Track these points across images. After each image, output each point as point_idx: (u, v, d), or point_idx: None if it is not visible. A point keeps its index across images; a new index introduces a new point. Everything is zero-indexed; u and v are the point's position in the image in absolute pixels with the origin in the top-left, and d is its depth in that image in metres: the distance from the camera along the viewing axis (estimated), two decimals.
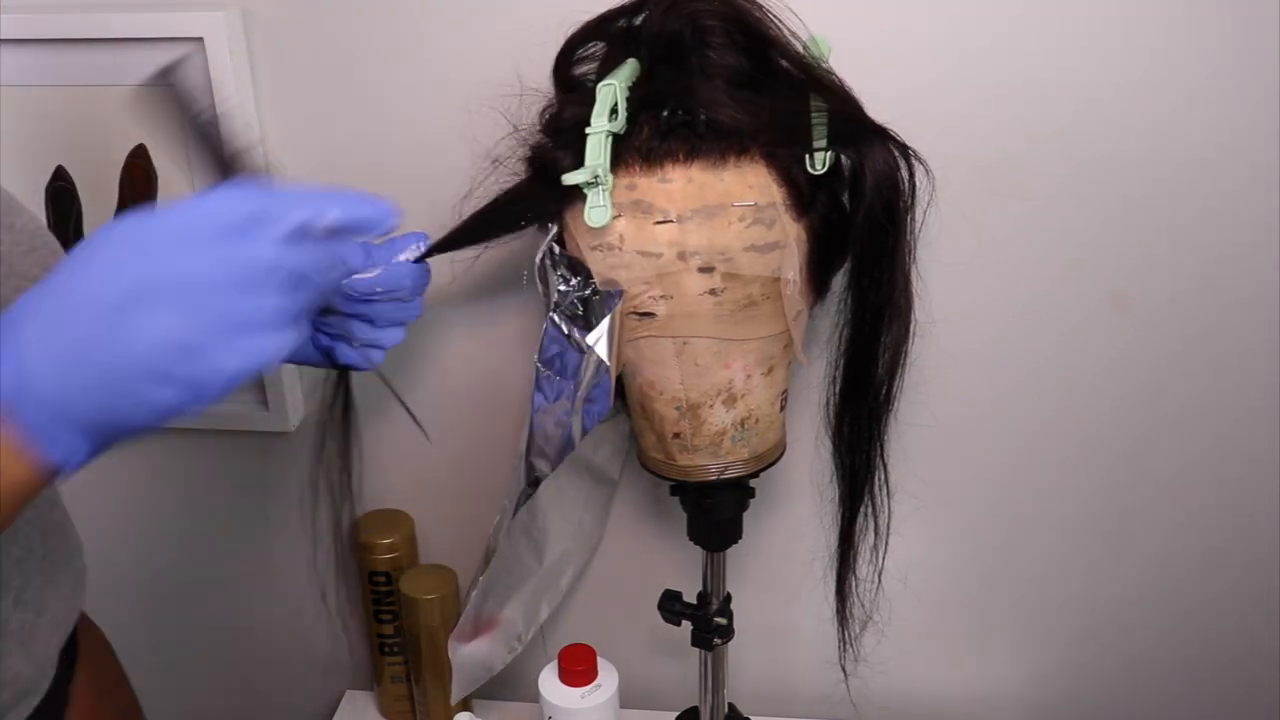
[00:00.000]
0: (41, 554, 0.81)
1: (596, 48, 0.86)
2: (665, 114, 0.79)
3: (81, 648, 0.91)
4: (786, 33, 0.80)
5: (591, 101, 0.78)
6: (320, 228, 0.57)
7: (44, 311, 0.53)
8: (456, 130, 1.00)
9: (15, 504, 0.55)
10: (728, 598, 1.03)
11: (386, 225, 0.60)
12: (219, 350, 0.53)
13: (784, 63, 0.81)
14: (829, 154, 0.81)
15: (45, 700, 0.83)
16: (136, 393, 0.53)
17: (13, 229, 0.74)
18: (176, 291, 0.53)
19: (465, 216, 0.84)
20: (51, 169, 1.03)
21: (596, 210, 0.78)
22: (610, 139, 0.77)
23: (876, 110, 0.83)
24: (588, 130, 0.77)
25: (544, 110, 0.88)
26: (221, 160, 0.64)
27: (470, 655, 1.01)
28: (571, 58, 0.86)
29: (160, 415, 0.55)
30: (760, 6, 0.80)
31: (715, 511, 0.95)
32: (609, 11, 0.84)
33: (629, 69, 0.80)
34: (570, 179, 0.77)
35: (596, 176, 0.77)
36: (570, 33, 0.86)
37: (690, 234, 0.79)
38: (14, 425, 0.53)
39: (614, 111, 0.77)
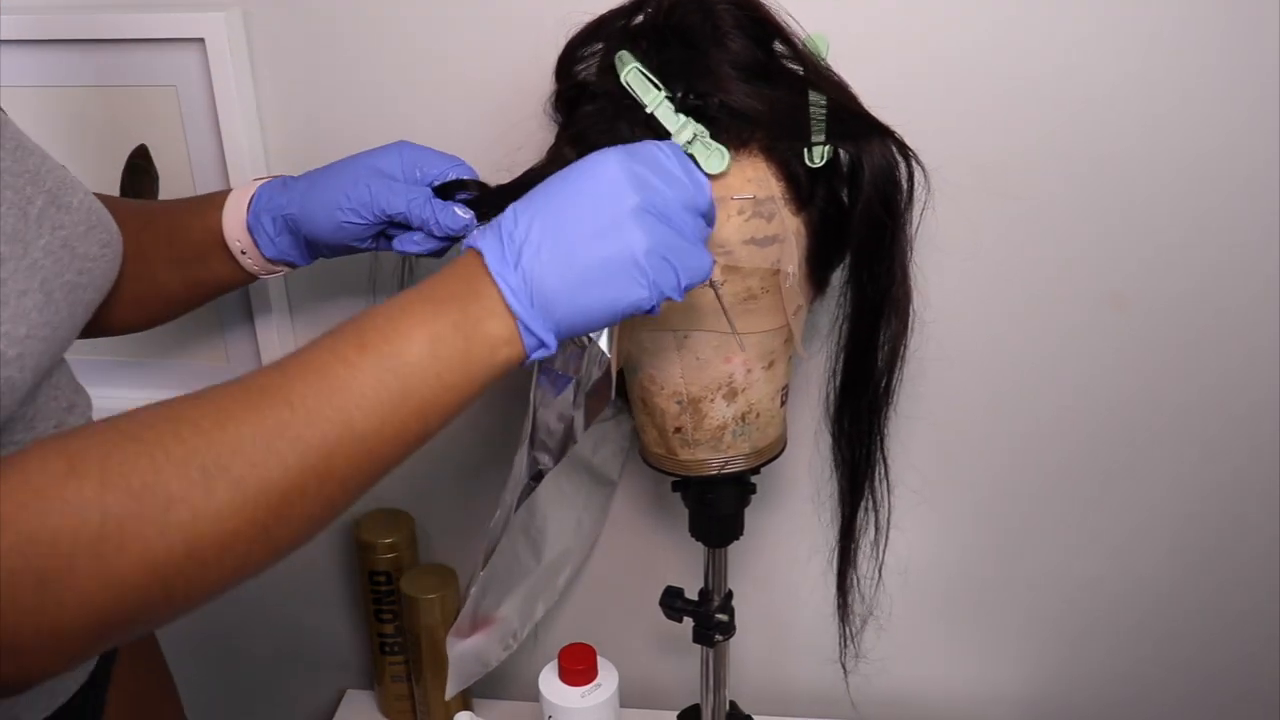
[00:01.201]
0: None
1: (597, 48, 0.87)
2: (678, 95, 0.79)
3: None
4: (788, 27, 0.81)
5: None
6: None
7: (544, 228, 0.64)
8: (457, 130, 1.00)
9: (482, 389, 0.65)
10: (729, 594, 1.03)
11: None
12: (680, 260, 0.65)
13: (785, 57, 0.82)
14: (828, 148, 0.81)
15: (90, 675, 0.85)
16: (615, 292, 0.64)
17: (70, 208, 0.75)
18: (658, 217, 0.65)
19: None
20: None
21: (714, 156, 0.78)
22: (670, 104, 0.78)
23: (875, 108, 0.83)
24: (649, 108, 0.77)
25: (555, 101, 0.88)
26: None
27: (466, 651, 1.01)
28: (573, 59, 0.87)
29: (623, 313, 0.66)
30: (763, 2, 0.80)
31: (716, 507, 0.95)
32: (609, 12, 0.85)
33: (625, 58, 0.80)
34: (681, 136, 0.77)
35: (696, 133, 0.77)
36: (571, 34, 0.86)
37: None
38: (515, 322, 0.64)
39: (655, 85, 0.78)
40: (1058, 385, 1.05)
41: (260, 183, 0.89)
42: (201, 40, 0.97)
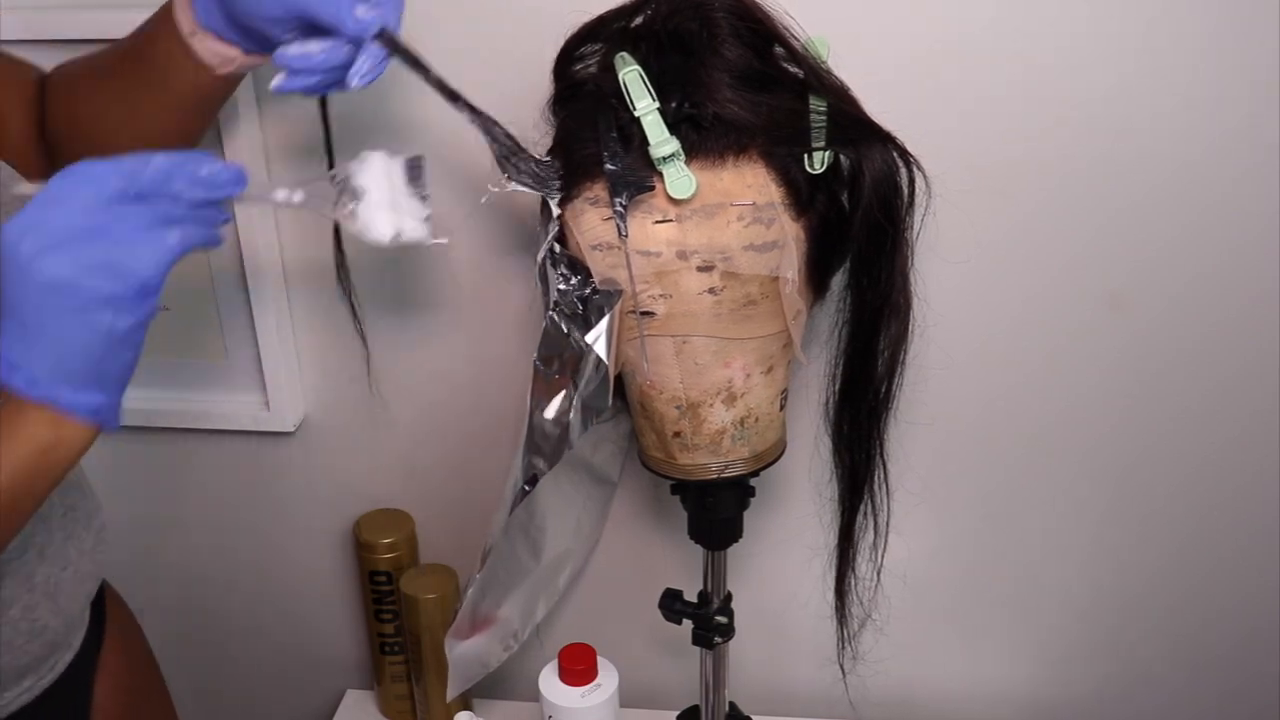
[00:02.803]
0: (62, 511, 0.84)
1: (596, 48, 0.87)
2: (672, 105, 0.79)
3: (109, 615, 0.93)
4: (787, 31, 0.80)
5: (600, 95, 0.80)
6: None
7: (12, 328, 0.64)
8: (458, 130, 1.00)
9: (68, 466, 0.67)
10: (728, 596, 1.03)
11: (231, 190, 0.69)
12: (127, 261, 0.64)
13: (785, 62, 0.81)
14: (827, 153, 0.81)
15: (77, 658, 0.85)
16: (92, 327, 0.64)
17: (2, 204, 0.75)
18: (73, 244, 0.63)
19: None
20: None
21: (682, 181, 0.78)
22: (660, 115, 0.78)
23: (875, 111, 0.83)
24: (638, 113, 0.77)
25: (553, 102, 0.88)
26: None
27: (466, 652, 1.01)
28: (571, 58, 0.86)
29: (118, 335, 0.65)
30: (762, 6, 0.80)
31: (716, 510, 0.95)
32: (608, 13, 0.85)
33: (627, 59, 0.80)
34: (657, 151, 0.77)
35: (674, 152, 0.77)
36: (569, 34, 0.86)
37: (689, 233, 0.80)
38: (36, 403, 0.64)
39: (650, 94, 0.78)
40: (1058, 388, 1.05)
41: None
42: None
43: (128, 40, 0.87)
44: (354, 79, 0.77)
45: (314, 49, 0.78)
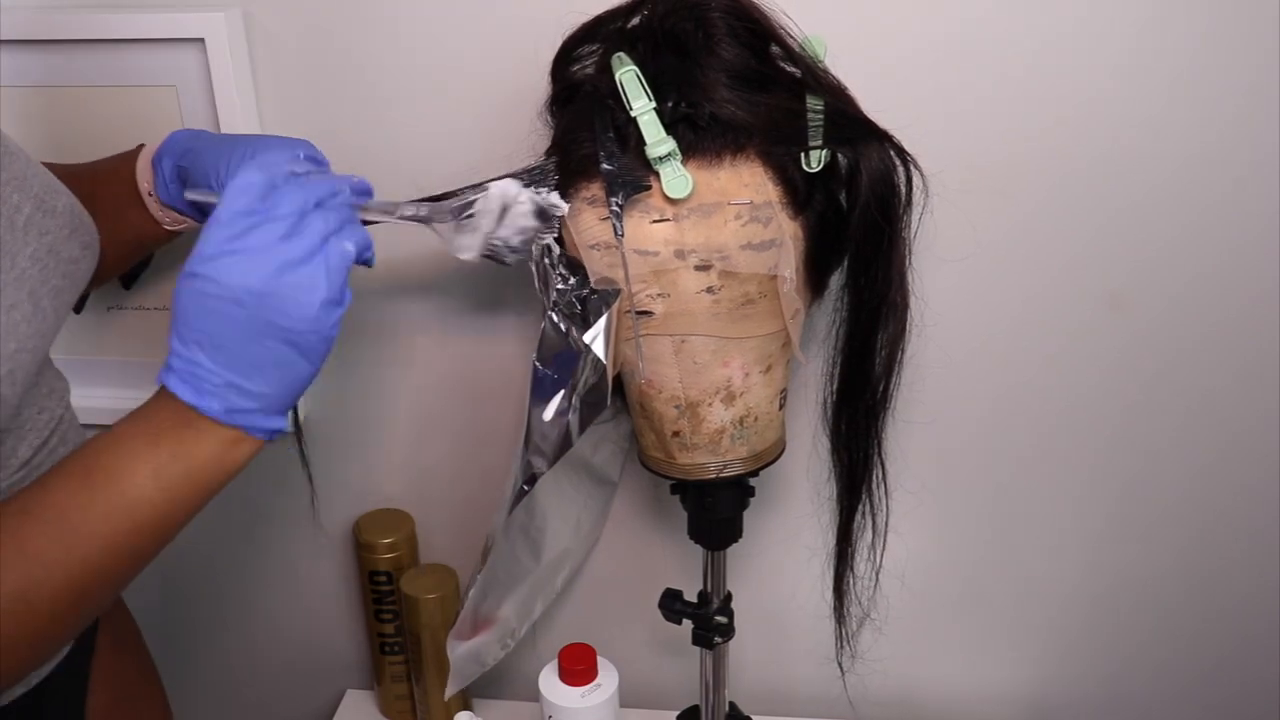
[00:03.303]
0: None
1: (593, 49, 0.87)
2: (669, 105, 0.79)
3: (104, 614, 0.93)
4: (784, 31, 0.80)
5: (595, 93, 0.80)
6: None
7: (199, 350, 0.67)
8: (457, 130, 1.00)
9: (221, 488, 0.73)
10: (728, 596, 1.03)
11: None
12: (319, 274, 0.66)
13: (782, 61, 0.81)
14: (824, 152, 0.81)
15: (72, 654, 0.86)
16: (301, 349, 0.68)
17: (55, 212, 0.76)
18: (281, 271, 0.65)
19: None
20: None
21: (678, 180, 0.78)
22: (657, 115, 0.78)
23: (873, 110, 0.83)
24: (634, 113, 0.78)
25: (551, 103, 0.88)
26: None
27: (465, 651, 1.01)
28: (569, 59, 0.87)
29: (317, 360, 0.69)
30: (758, 5, 0.80)
31: (715, 510, 0.95)
32: (605, 13, 0.85)
33: (624, 59, 0.80)
34: (654, 151, 0.77)
35: (670, 152, 0.78)
36: (566, 34, 0.86)
37: (687, 232, 0.80)
38: (229, 431, 0.69)
39: (647, 94, 0.78)
40: (1057, 388, 1.05)
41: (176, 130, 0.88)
42: (201, 40, 0.97)
43: (100, 162, 0.92)
44: None
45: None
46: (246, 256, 0.65)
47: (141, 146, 0.89)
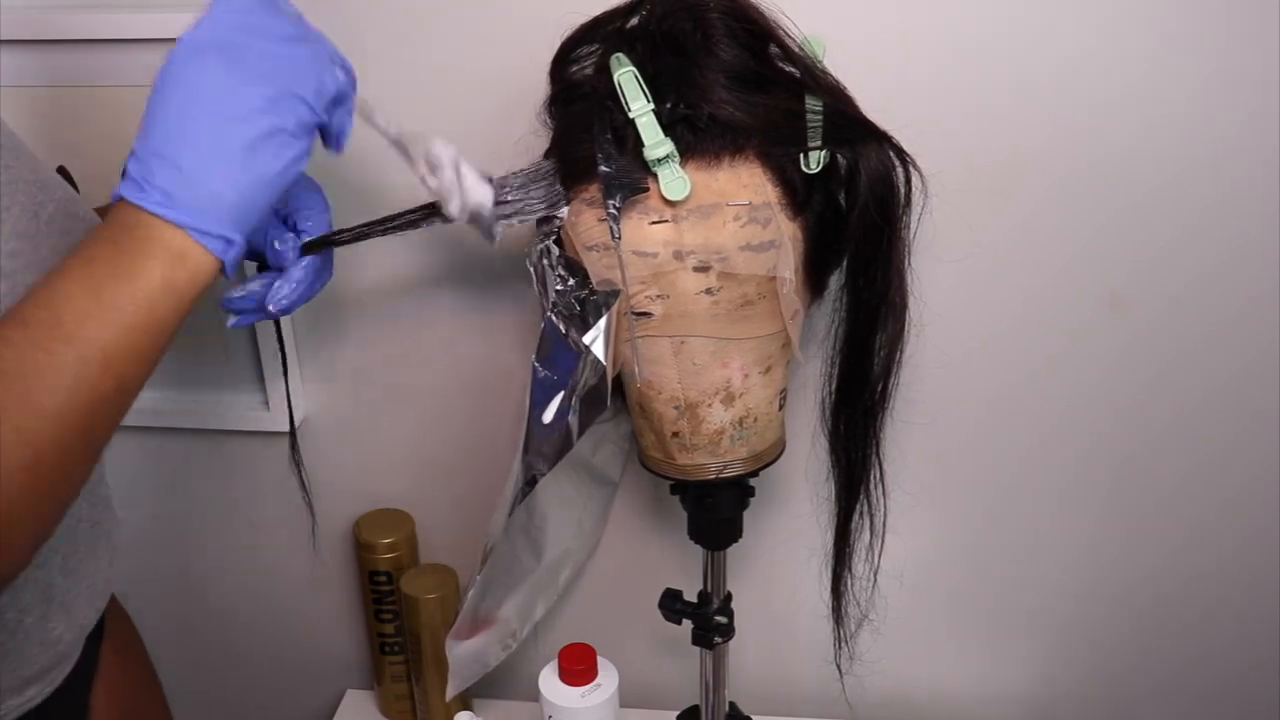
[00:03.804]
0: (90, 523, 0.84)
1: (592, 49, 0.87)
2: (667, 106, 0.79)
3: (108, 624, 0.94)
4: (783, 31, 0.80)
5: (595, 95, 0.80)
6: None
7: (164, 145, 0.63)
8: (456, 131, 1.00)
9: (180, 312, 0.64)
10: (728, 596, 1.03)
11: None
12: (300, 83, 0.66)
13: (781, 61, 0.81)
14: (823, 153, 0.81)
15: (75, 669, 0.86)
16: (261, 160, 0.65)
17: (79, 218, 0.76)
18: (246, 59, 0.65)
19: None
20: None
21: (677, 182, 0.78)
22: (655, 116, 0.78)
23: (872, 110, 0.83)
24: (632, 114, 0.78)
25: (550, 103, 0.88)
26: None
27: (466, 652, 1.02)
28: (567, 59, 0.87)
29: (288, 170, 0.66)
30: (757, 6, 0.80)
31: (715, 510, 0.95)
32: (604, 14, 0.85)
33: (623, 60, 0.80)
34: (652, 153, 0.77)
35: (668, 154, 0.78)
36: (565, 35, 0.86)
37: (686, 233, 0.80)
38: (175, 233, 0.63)
39: (645, 95, 0.78)
40: (1055, 388, 1.05)
41: None
42: None
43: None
44: (271, 303, 0.82)
45: (254, 286, 0.84)
46: (243, 28, 0.65)
47: None
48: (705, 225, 0.79)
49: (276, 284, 0.82)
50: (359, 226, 0.85)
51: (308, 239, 0.84)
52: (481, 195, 0.82)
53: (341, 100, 0.71)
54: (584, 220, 0.83)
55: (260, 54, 0.66)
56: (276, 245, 0.82)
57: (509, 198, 0.84)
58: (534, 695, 1.08)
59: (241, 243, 0.65)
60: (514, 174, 0.85)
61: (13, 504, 0.59)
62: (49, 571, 0.79)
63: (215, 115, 0.64)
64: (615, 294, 0.83)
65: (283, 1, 0.70)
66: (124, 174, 0.64)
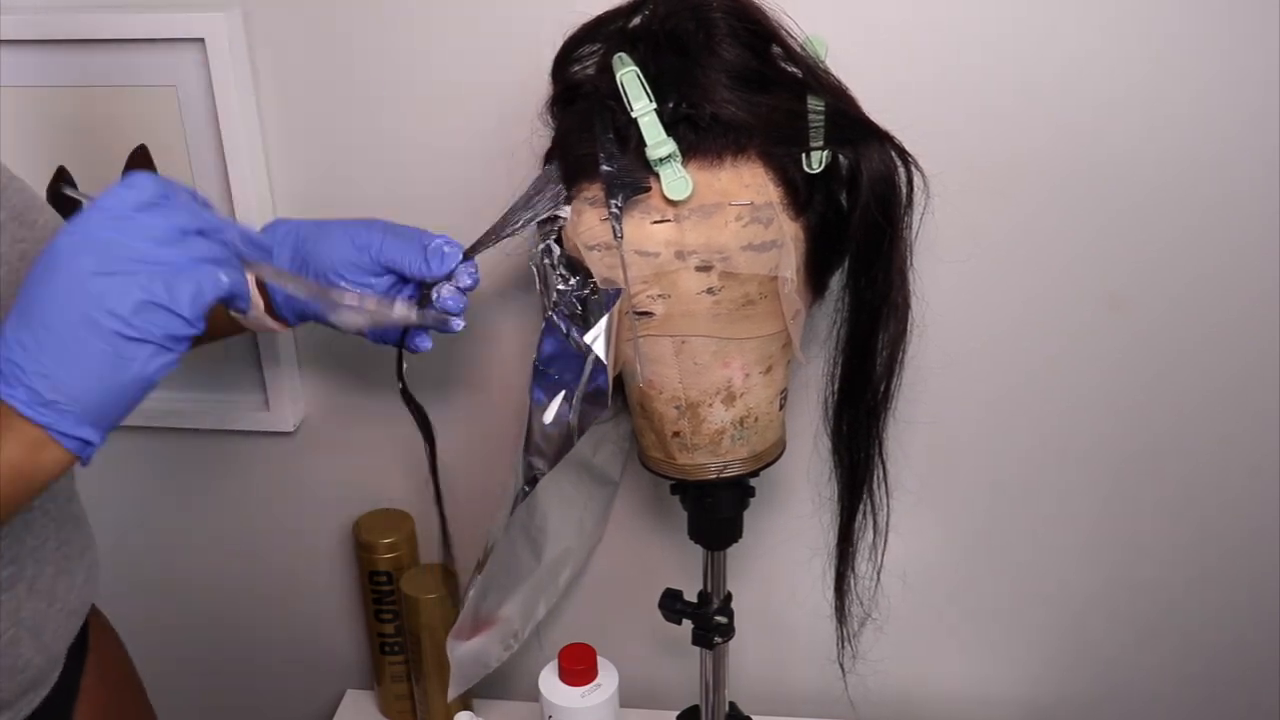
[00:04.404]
0: (56, 544, 0.83)
1: (594, 49, 0.87)
2: (670, 106, 0.79)
3: (91, 639, 0.92)
4: (785, 31, 0.80)
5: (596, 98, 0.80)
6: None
7: (29, 340, 0.62)
8: (457, 131, 1.00)
9: (36, 492, 0.65)
10: (728, 596, 1.03)
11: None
12: (172, 293, 0.63)
13: (784, 61, 0.81)
14: (825, 153, 0.81)
15: (53, 692, 0.84)
16: (125, 363, 0.63)
17: (33, 225, 0.75)
18: (119, 259, 0.62)
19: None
20: (52, 169, 1.03)
21: (679, 182, 0.78)
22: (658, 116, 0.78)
23: (874, 111, 0.83)
24: (635, 114, 0.78)
25: (552, 103, 0.88)
26: None
27: (467, 653, 1.02)
28: (570, 59, 0.87)
29: (152, 377, 0.64)
30: (759, 5, 0.80)
31: (715, 510, 0.95)
32: (606, 13, 0.85)
33: (625, 59, 0.80)
34: (654, 153, 0.77)
35: (670, 154, 0.78)
36: (567, 35, 0.86)
37: (687, 233, 0.80)
38: (33, 426, 0.63)
39: (648, 94, 0.78)
40: (1057, 389, 1.05)
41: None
42: (201, 40, 0.97)
43: None
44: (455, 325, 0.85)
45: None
46: (108, 241, 0.62)
47: None
48: (707, 225, 0.79)
49: (449, 299, 0.84)
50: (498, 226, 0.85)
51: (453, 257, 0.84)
52: (402, 312, 0.83)
53: (231, 299, 0.67)
54: (586, 220, 0.83)
55: (135, 259, 0.63)
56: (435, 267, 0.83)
57: (518, 221, 0.85)
58: (534, 695, 1.08)
59: (100, 442, 0.65)
60: (520, 199, 0.86)
61: None
62: (15, 595, 0.78)
63: (84, 320, 0.62)
64: (617, 293, 0.83)
65: (177, 195, 0.66)
66: None
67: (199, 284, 0.64)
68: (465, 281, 0.84)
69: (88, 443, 0.64)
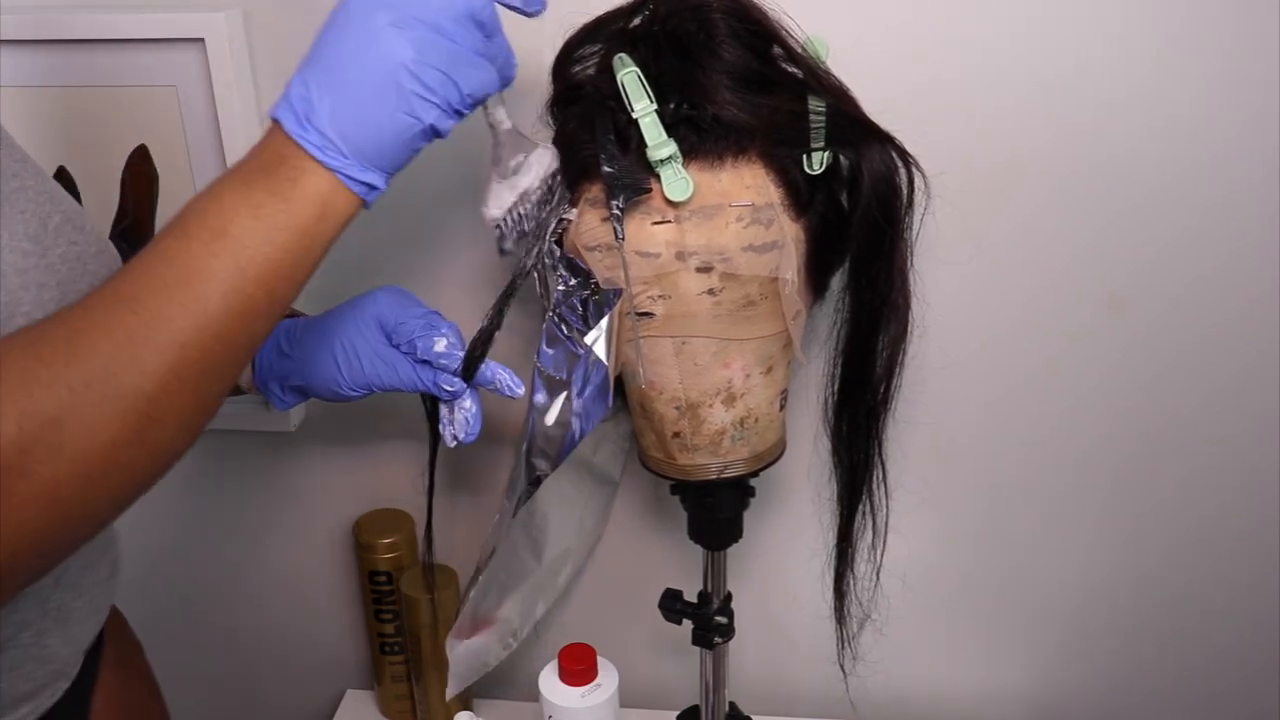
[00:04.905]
0: None
1: (595, 49, 0.87)
2: (671, 107, 0.79)
3: (107, 632, 0.93)
4: (786, 32, 0.80)
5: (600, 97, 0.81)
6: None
7: (325, 84, 0.65)
8: (457, 130, 1.00)
9: (324, 246, 0.68)
10: (728, 596, 1.03)
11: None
12: (456, 71, 0.67)
13: (785, 62, 0.81)
14: (826, 154, 0.81)
15: (75, 683, 0.85)
16: (412, 117, 0.66)
17: (84, 230, 0.75)
18: (424, 28, 0.65)
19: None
20: (52, 169, 1.03)
21: (679, 183, 0.78)
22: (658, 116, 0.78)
23: (875, 112, 0.83)
24: (636, 114, 0.78)
25: (552, 104, 0.88)
26: None
27: (466, 651, 1.01)
28: (571, 59, 0.87)
29: (425, 131, 0.68)
30: (760, 6, 0.80)
31: (716, 510, 0.95)
32: (607, 14, 0.85)
33: (626, 60, 0.80)
34: (655, 154, 0.77)
35: (671, 155, 0.78)
36: (568, 35, 0.86)
37: (688, 234, 0.80)
38: (333, 174, 0.66)
39: (648, 94, 0.78)
40: (1057, 389, 1.05)
41: None
42: (201, 40, 0.97)
43: None
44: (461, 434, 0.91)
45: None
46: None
47: None
48: (708, 226, 0.80)
49: (467, 416, 0.90)
50: (482, 331, 0.86)
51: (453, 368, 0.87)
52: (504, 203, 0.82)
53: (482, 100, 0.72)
54: (586, 220, 0.83)
55: (431, 26, 0.66)
56: (445, 385, 0.87)
57: (526, 226, 0.85)
58: (534, 695, 1.08)
59: (384, 187, 0.68)
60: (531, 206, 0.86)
61: (170, 398, 0.62)
62: (44, 585, 0.78)
63: (384, 71, 0.65)
64: (618, 294, 0.83)
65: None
66: (284, 96, 0.66)
67: (478, 77, 0.68)
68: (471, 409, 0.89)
69: (373, 187, 0.67)
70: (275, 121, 0.66)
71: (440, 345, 0.86)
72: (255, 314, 0.65)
